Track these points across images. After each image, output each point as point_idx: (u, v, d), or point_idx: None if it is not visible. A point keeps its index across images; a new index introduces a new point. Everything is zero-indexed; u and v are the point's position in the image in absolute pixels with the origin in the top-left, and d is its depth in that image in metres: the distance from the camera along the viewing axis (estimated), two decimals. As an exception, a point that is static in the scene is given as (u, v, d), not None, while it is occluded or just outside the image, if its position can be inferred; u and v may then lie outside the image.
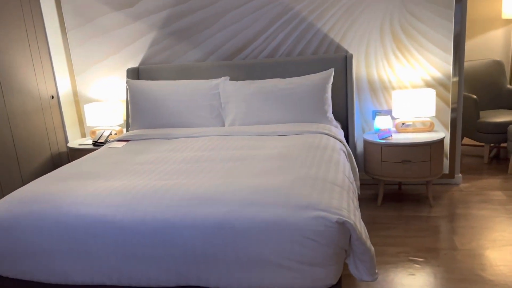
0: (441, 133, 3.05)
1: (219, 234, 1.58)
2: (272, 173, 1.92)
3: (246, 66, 3.28)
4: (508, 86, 4.27)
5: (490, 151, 4.21)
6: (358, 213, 1.73)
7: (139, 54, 3.55)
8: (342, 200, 1.68)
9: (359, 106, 3.35)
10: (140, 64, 3.58)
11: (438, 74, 3.18)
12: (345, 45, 3.24)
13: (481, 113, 4.10)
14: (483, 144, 4.46)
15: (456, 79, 3.15)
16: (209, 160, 2.24)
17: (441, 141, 2.95)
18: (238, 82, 3.13)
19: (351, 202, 1.73)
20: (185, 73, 3.39)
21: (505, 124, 3.80)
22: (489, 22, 4.76)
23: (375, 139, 3.02)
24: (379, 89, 3.29)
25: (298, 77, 3.06)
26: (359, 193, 2.70)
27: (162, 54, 3.52)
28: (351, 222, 1.53)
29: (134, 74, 3.48)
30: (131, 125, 3.28)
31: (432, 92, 3.00)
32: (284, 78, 3.20)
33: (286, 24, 3.28)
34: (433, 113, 3.03)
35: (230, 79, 3.31)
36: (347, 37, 3.23)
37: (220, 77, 3.26)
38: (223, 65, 3.32)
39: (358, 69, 3.28)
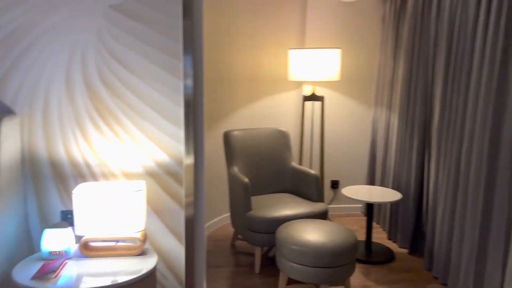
0: (153, 258, 1.81)
1: None
2: None
3: None
4: (293, 163, 3.44)
5: (265, 255, 3.20)
6: None
7: None
8: None
9: (37, 204, 1.95)
10: None
11: (164, 157, 2.00)
12: (6, 100, 1.86)
13: (257, 200, 3.11)
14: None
15: (190, 160, 2.01)
16: None
17: (151, 274, 1.70)
18: None
19: None
20: None
21: (280, 220, 2.85)
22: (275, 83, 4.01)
23: (24, 279, 1.61)
24: (70, 176, 1.95)
25: None
26: None
27: None
28: None
29: None
30: None
31: (140, 185, 1.78)
32: None
33: None
34: (142, 226, 1.80)
35: None
36: (9, 87, 1.86)
37: None
38: None
39: (32, 140, 1.91)
